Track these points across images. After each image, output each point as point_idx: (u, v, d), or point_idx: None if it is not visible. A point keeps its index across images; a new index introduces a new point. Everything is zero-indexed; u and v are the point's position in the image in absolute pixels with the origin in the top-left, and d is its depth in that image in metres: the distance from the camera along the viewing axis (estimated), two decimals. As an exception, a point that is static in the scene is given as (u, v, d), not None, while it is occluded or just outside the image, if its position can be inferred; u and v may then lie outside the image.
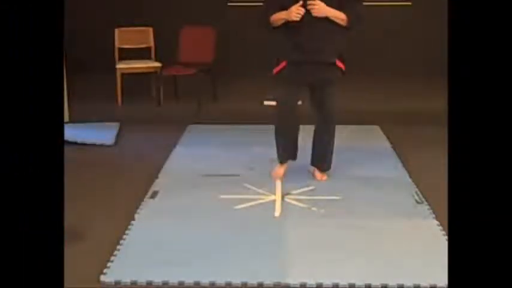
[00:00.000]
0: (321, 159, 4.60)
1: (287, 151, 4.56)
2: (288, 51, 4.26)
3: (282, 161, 4.59)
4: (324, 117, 4.48)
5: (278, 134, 4.52)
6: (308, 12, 4.11)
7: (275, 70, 4.35)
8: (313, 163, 4.64)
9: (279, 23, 4.21)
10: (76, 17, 7.40)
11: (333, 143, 4.55)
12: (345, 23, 4.19)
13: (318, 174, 4.62)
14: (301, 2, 4.10)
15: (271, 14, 4.22)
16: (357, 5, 4.29)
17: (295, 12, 4.07)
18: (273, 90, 4.74)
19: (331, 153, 4.58)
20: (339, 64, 4.33)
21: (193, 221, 3.84)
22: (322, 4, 4.10)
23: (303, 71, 4.27)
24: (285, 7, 4.15)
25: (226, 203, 4.13)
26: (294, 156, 4.61)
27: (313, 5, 4.09)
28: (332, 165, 4.77)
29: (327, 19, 4.15)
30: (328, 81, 4.36)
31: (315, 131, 4.58)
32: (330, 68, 4.30)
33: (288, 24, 4.17)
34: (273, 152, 4.64)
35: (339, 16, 4.16)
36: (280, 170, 4.59)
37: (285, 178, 4.57)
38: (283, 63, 4.30)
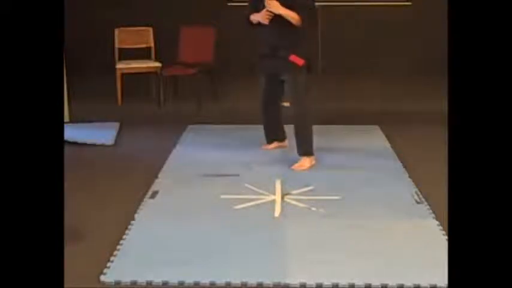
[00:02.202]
0: (296, 143, 4.92)
1: (267, 133, 5.28)
2: (258, 45, 4.97)
3: (267, 141, 5.31)
4: (291, 107, 4.93)
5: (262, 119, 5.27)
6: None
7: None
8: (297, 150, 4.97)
9: (254, 22, 4.91)
10: (76, 17, 7.40)
11: (307, 131, 4.90)
12: (296, 21, 4.71)
13: (297, 165, 4.83)
14: (266, 9, 4.74)
15: (250, 14, 4.93)
16: (302, 7, 4.75)
17: (265, 17, 4.76)
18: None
19: (305, 140, 4.89)
20: (294, 59, 4.77)
21: (193, 221, 3.84)
22: (276, 3, 4.71)
23: (268, 63, 4.93)
24: (258, 9, 4.82)
25: (226, 203, 4.13)
26: (276, 138, 5.29)
27: (270, 2, 4.72)
28: (332, 165, 4.82)
29: (283, 20, 4.71)
30: (286, 73, 4.85)
31: None
32: (286, 62, 4.78)
33: (259, 23, 4.87)
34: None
35: (291, 15, 4.69)
36: (267, 146, 5.31)
37: (284, 178, 4.57)
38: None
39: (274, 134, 5.28)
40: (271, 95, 5.08)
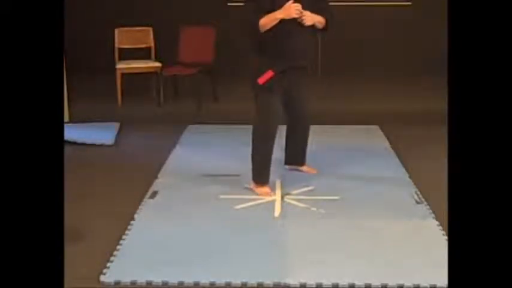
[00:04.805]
0: (303, 154, 4.70)
1: (267, 170, 4.32)
2: (274, 59, 4.16)
3: (265, 182, 4.31)
4: (302, 118, 4.55)
5: (259, 152, 4.31)
6: (293, 18, 4.03)
7: (261, 80, 4.18)
8: (296, 161, 4.71)
9: (272, 24, 4.04)
10: (76, 17, 7.41)
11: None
12: (322, 25, 4.20)
13: (308, 169, 4.72)
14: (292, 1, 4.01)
15: (258, 17, 4.07)
16: (329, 6, 4.29)
17: (294, 9, 3.98)
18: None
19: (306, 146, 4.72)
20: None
21: (193, 221, 3.84)
22: (309, 13, 4.07)
23: (284, 77, 4.21)
24: (269, 9, 4.05)
25: (226, 203, 4.13)
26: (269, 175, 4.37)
27: (304, 15, 4.04)
28: (332, 165, 4.84)
29: (309, 26, 4.12)
30: (303, 84, 4.44)
31: (291, 130, 4.61)
32: (304, 71, 4.38)
33: (272, 31, 4.06)
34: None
35: (321, 21, 4.17)
36: (266, 189, 4.29)
37: (284, 178, 4.57)
38: (270, 73, 4.16)
39: (269, 172, 4.37)
40: (278, 122, 4.33)
